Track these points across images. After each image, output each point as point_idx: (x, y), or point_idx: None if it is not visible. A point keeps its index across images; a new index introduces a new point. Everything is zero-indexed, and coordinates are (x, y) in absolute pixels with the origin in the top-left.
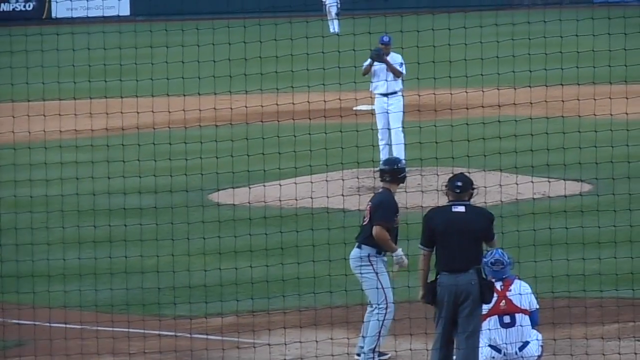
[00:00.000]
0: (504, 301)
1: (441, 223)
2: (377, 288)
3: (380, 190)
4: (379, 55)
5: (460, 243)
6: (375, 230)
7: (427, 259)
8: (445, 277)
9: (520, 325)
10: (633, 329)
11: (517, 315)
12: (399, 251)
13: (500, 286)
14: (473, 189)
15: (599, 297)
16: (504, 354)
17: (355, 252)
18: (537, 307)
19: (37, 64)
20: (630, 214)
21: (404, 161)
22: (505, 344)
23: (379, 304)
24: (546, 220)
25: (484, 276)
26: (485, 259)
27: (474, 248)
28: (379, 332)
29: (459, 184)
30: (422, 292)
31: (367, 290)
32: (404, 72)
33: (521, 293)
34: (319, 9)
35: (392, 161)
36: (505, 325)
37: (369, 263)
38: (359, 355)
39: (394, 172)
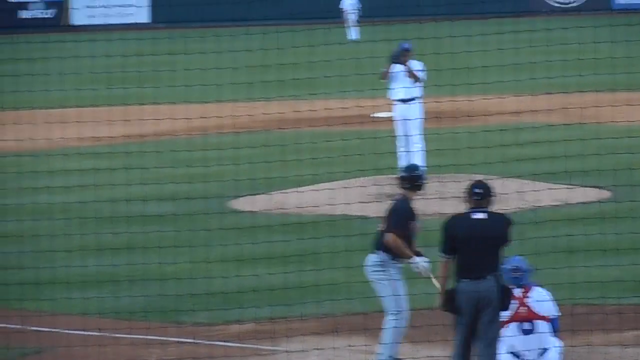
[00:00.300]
0: (523, 308)
1: (461, 230)
2: (390, 295)
3: (397, 196)
4: (398, 57)
5: (480, 250)
6: (387, 237)
7: (447, 267)
8: (465, 283)
9: (540, 332)
10: None
11: (536, 322)
12: (416, 258)
13: (520, 293)
14: (492, 195)
15: (618, 304)
16: None
17: (370, 258)
18: (558, 314)
19: (57, 71)
20: None
21: (423, 168)
22: (525, 350)
23: (393, 311)
24: (565, 227)
25: (503, 283)
26: (504, 266)
27: (493, 255)
28: (394, 339)
29: (479, 190)
30: (442, 300)
31: (382, 297)
32: (425, 78)
33: (540, 300)
34: (338, 16)
35: (410, 168)
36: (525, 332)
37: (382, 269)
38: None
39: (412, 179)
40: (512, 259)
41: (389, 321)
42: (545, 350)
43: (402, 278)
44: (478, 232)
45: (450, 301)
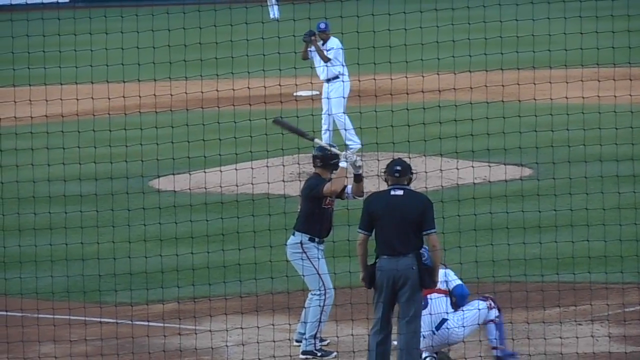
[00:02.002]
0: None
1: (380, 207)
2: (313, 274)
3: (311, 175)
4: (309, 37)
5: (397, 226)
6: (325, 191)
7: (365, 243)
8: (385, 260)
9: (433, 307)
10: (574, 313)
11: (429, 297)
12: (342, 159)
13: None
14: (412, 173)
15: (540, 282)
16: (424, 337)
17: (290, 239)
18: (458, 282)
19: None
20: (570, 198)
21: (338, 146)
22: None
23: (318, 290)
24: (487, 205)
25: (424, 262)
26: None
27: (412, 232)
28: (319, 318)
29: (398, 168)
30: (363, 276)
31: (304, 277)
32: (330, 57)
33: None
34: None
35: (323, 147)
36: None
37: (302, 250)
38: (298, 341)
39: (324, 158)
40: None
41: (313, 300)
42: (443, 321)
43: (324, 257)
44: (395, 208)
45: (370, 278)
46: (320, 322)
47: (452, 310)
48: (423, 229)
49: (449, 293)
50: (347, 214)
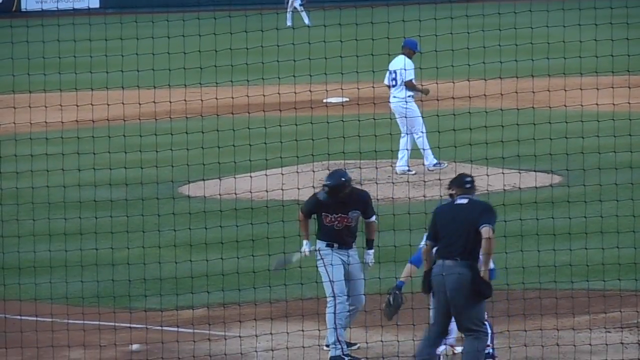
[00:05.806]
0: None
1: (444, 216)
2: (326, 281)
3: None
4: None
5: (456, 232)
6: (299, 213)
7: (429, 252)
8: (436, 265)
9: None
10: (604, 320)
11: None
12: (305, 245)
13: None
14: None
15: (569, 289)
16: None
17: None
18: (492, 266)
19: (7, 56)
20: (600, 205)
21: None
22: None
23: (330, 296)
24: (517, 212)
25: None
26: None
27: (468, 238)
28: (335, 324)
29: (469, 179)
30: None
31: (323, 283)
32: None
33: None
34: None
35: (332, 175)
36: None
37: (320, 257)
38: (328, 345)
39: (325, 187)
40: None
41: (328, 307)
42: None
43: (358, 262)
44: (457, 215)
45: (425, 283)
46: (336, 327)
47: None
48: (478, 225)
49: None
50: (393, 219)
